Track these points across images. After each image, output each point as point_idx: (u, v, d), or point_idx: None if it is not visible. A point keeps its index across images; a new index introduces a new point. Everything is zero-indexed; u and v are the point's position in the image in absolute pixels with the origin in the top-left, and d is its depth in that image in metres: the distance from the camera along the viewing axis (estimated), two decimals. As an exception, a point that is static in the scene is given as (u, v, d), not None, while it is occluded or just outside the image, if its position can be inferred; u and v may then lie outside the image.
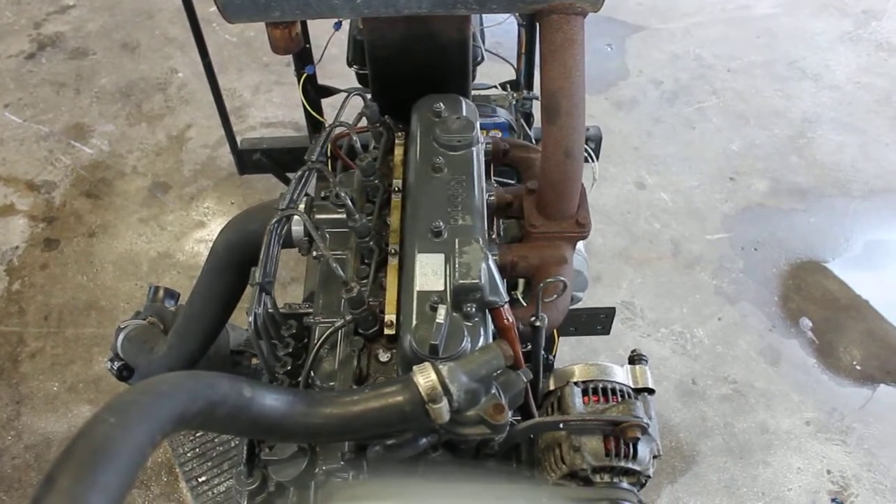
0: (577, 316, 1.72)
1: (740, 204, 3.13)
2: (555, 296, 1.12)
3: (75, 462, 0.56)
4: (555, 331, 1.46)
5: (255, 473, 1.04)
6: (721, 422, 2.53)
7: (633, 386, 0.98)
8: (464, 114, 1.26)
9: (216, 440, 2.59)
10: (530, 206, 1.22)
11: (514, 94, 1.85)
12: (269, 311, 1.05)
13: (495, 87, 1.87)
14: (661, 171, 3.24)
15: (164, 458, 2.48)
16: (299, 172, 1.17)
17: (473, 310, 0.97)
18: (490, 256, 1.01)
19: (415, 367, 0.86)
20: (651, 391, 0.99)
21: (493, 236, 1.26)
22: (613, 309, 1.74)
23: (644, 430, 0.92)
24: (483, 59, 1.93)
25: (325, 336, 1.01)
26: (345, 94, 1.38)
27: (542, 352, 1.06)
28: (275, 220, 1.07)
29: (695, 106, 3.50)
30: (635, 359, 1.02)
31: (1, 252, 3.04)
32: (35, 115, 3.54)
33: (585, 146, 2.32)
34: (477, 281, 0.96)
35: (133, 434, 0.60)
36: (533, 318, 1.01)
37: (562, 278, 1.09)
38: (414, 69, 1.33)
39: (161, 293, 1.67)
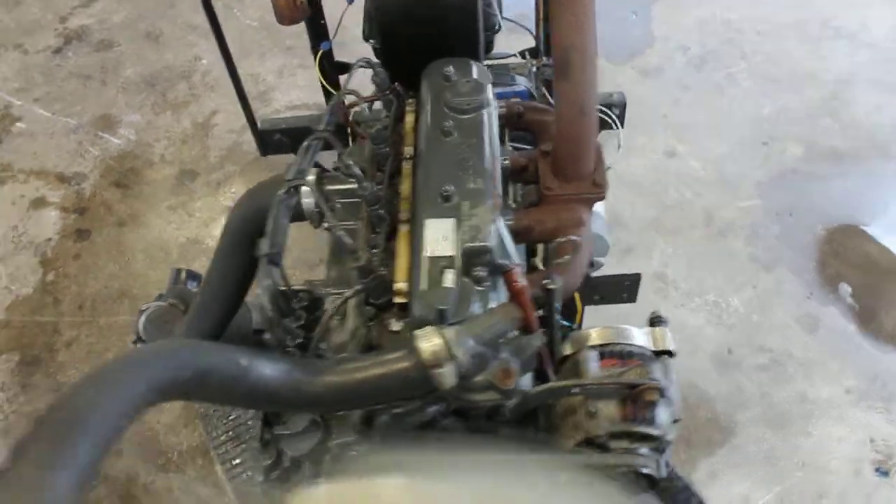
0: (602, 283, 1.69)
1: (774, 170, 3.04)
2: (567, 257, 1.09)
3: (47, 432, 0.55)
4: (577, 299, 1.43)
5: (270, 449, 1.03)
6: (758, 392, 2.48)
7: (652, 348, 0.95)
8: (474, 77, 1.23)
9: (250, 423, 2.61)
10: (545, 169, 1.19)
11: (534, 62, 1.80)
12: (278, 282, 1.04)
13: (514, 55, 1.83)
14: (690, 139, 3.16)
15: (199, 442, 2.50)
16: (305, 142, 1.15)
17: (484, 274, 0.95)
18: (500, 219, 0.98)
19: (417, 332, 0.84)
20: (671, 353, 0.95)
21: (510, 202, 1.24)
22: (639, 275, 1.70)
23: (662, 393, 0.88)
24: (500, 27, 1.89)
25: (335, 307, 0.99)
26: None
27: (561, 317, 1.03)
28: (282, 190, 1.06)
29: (724, 71, 3.40)
30: (655, 321, 0.98)
31: (35, 244, 3.09)
32: (63, 108, 3.58)
33: (610, 112, 2.29)
34: (485, 244, 0.93)
35: (110, 403, 0.59)
36: (546, 281, 0.97)
37: (574, 237, 1.05)
38: (421, 35, 1.30)
39: (183, 275, 1.67)
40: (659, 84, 3.38)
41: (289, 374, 0.79)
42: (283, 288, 1.04)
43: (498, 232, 0.97)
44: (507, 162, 1.20)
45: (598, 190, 1.17)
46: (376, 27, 1.34)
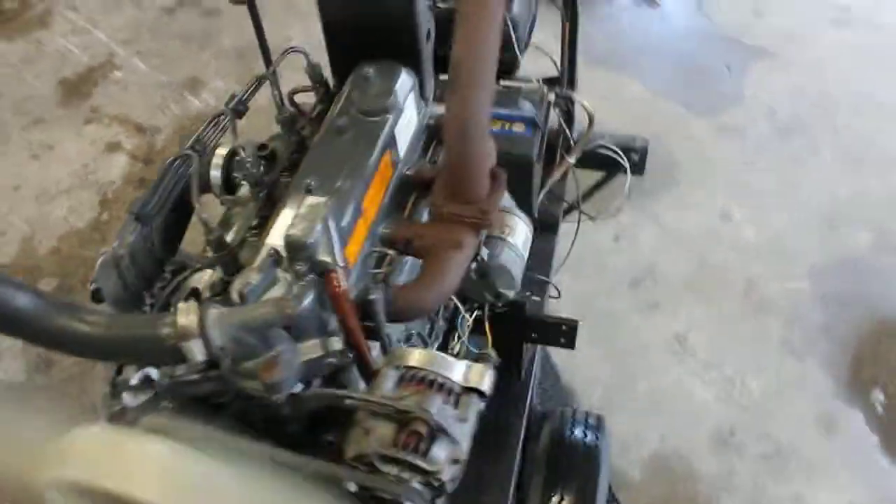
0: (537, 323, 1.63)
1: (834, 254, 2.84)
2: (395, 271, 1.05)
3: None
4: (487, 328, 1.38)
5: (116, 398, 1.05)
6: (751, 481, 2.31)
7: (461, 384, 0.90)
8: (395, 83, 1.21)
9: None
10: (439, 185, 1.17)
11: (547, 89, 1.76)
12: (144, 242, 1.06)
13: (534, 80, 1.79)
14: (752, 206, 2.99)
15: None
16: (211, 117, 1.17)
17: (304, 268, 0.94)
18: (332, 217, 0.97)
19: (180, 305, 0.86)
20: (483, 394, 0.90)
21: (406, 213, 1.21)
22: (577, 322, 1.63)
23: (434, 427, 0.84)
24: (525, 48, 1.86)
25: (184, 275, 1.00)
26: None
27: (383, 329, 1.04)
28: (173, 158, 1.08)
29: (807, 143, 3.20)
30: (481, 357, 0.93)
31: (99, 184, 3.28)
32: (160, 64, 3.79)
33: (627, 156, 2.20)
34: (304, 238, 0.92)
35: None
36: (368, 292, 0.95)
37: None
38: (362, 36, 1.30)
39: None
40: (735, 144, 3.22)
41: (52, 314, 0.84)
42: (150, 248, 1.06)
43: (326, 230, 0.95)
44: (409, 171, 1.18)
45: (481, 217, 1.12)
46: (321, 19, 1.35)
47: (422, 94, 1.38)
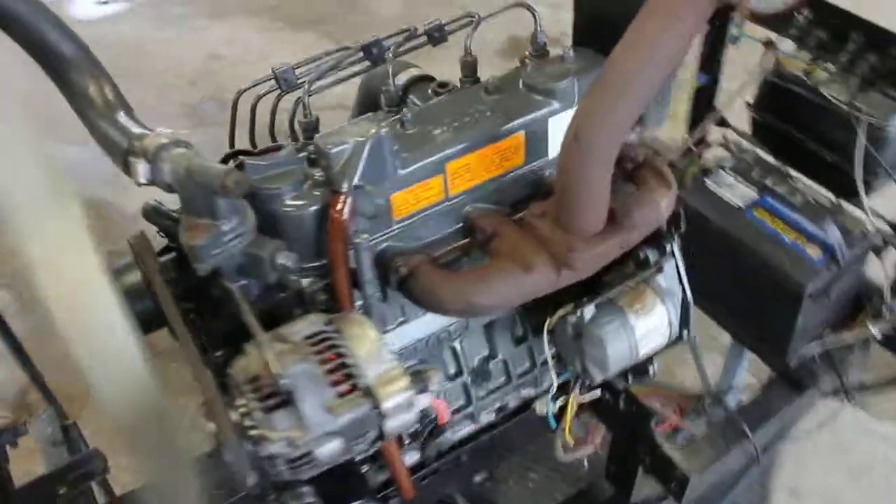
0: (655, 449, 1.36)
1: None
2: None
3: None
4: None
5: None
6: None
7: (370, 383, 0.86)
8: (581, 72, 1.14)
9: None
10: (553, 196, 1.06)
11: (876, 230, 1.42)
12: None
13: (867, 217, 1.42)
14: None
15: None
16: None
17: (320, 178, 0.98)
18: (388, 149, 1.00)
19: (160, 130, 0.93)
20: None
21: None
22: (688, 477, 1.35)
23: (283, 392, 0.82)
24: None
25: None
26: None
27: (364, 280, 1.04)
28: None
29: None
30: (418, 374, 0.92)
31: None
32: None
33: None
34: (328, 147, 0.96)
35: None
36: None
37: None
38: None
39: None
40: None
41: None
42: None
43: (369, 157, 0.96)
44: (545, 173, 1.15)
45: (562, 254, 1.04)
46: None
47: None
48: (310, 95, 1.13)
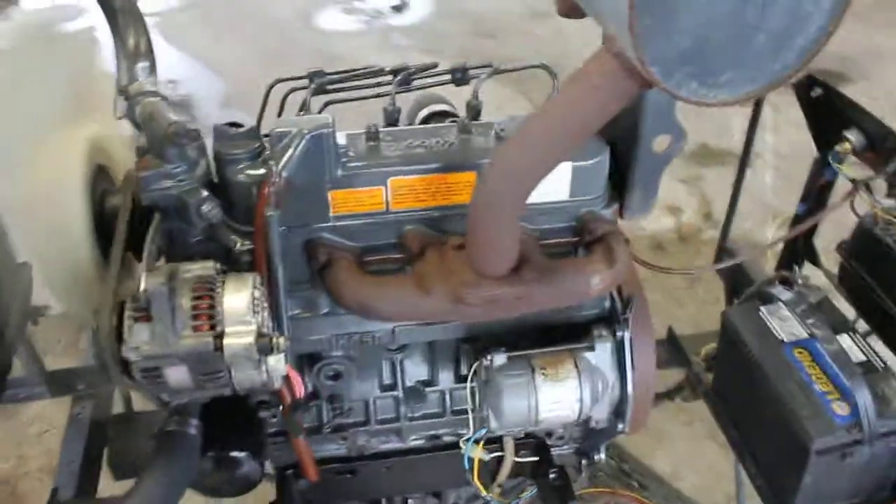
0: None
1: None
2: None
3: None
4: None
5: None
6: None
7: (223, 329, 0.95)
8: None
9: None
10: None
11: None
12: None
13: None
14: None
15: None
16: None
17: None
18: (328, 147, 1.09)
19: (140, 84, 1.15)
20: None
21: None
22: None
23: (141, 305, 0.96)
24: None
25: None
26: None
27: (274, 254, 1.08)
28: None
29: None
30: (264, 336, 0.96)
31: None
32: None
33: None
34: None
35: None
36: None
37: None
38: None
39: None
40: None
41: None
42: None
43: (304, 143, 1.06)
44: None
45: (456, 292, 1.09)
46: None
47: (618, 186, 1.22)
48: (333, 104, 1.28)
